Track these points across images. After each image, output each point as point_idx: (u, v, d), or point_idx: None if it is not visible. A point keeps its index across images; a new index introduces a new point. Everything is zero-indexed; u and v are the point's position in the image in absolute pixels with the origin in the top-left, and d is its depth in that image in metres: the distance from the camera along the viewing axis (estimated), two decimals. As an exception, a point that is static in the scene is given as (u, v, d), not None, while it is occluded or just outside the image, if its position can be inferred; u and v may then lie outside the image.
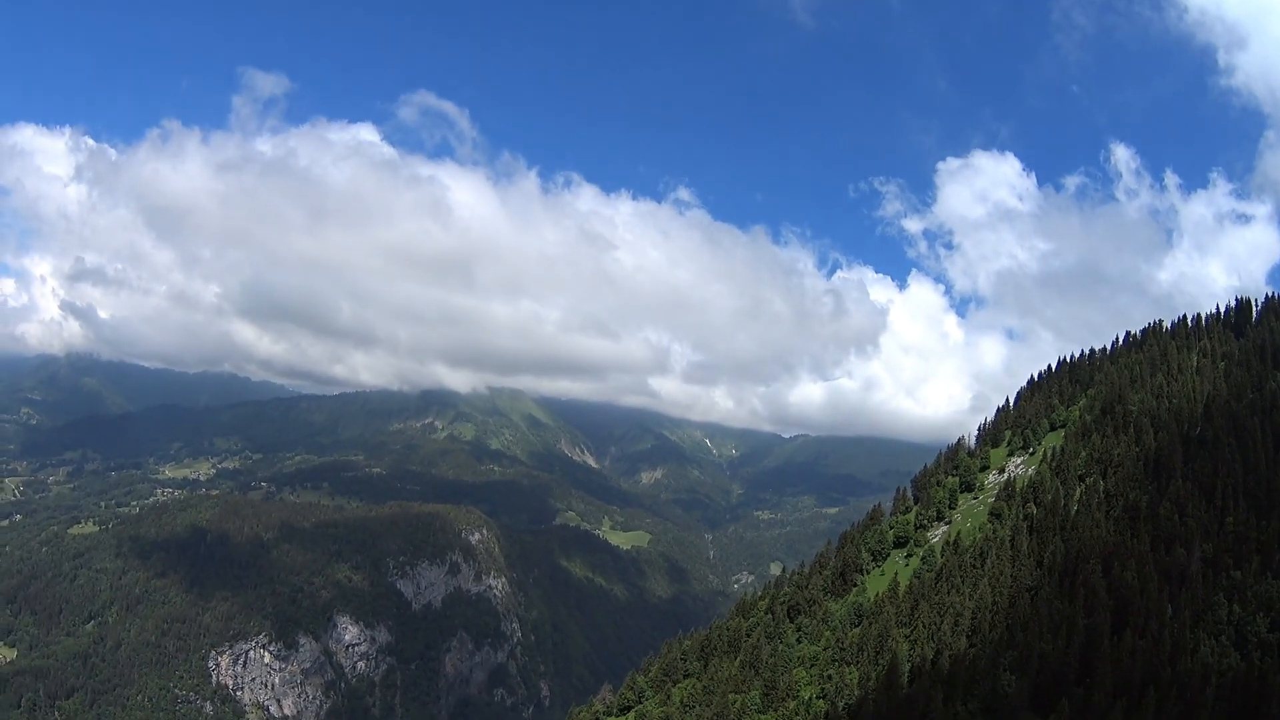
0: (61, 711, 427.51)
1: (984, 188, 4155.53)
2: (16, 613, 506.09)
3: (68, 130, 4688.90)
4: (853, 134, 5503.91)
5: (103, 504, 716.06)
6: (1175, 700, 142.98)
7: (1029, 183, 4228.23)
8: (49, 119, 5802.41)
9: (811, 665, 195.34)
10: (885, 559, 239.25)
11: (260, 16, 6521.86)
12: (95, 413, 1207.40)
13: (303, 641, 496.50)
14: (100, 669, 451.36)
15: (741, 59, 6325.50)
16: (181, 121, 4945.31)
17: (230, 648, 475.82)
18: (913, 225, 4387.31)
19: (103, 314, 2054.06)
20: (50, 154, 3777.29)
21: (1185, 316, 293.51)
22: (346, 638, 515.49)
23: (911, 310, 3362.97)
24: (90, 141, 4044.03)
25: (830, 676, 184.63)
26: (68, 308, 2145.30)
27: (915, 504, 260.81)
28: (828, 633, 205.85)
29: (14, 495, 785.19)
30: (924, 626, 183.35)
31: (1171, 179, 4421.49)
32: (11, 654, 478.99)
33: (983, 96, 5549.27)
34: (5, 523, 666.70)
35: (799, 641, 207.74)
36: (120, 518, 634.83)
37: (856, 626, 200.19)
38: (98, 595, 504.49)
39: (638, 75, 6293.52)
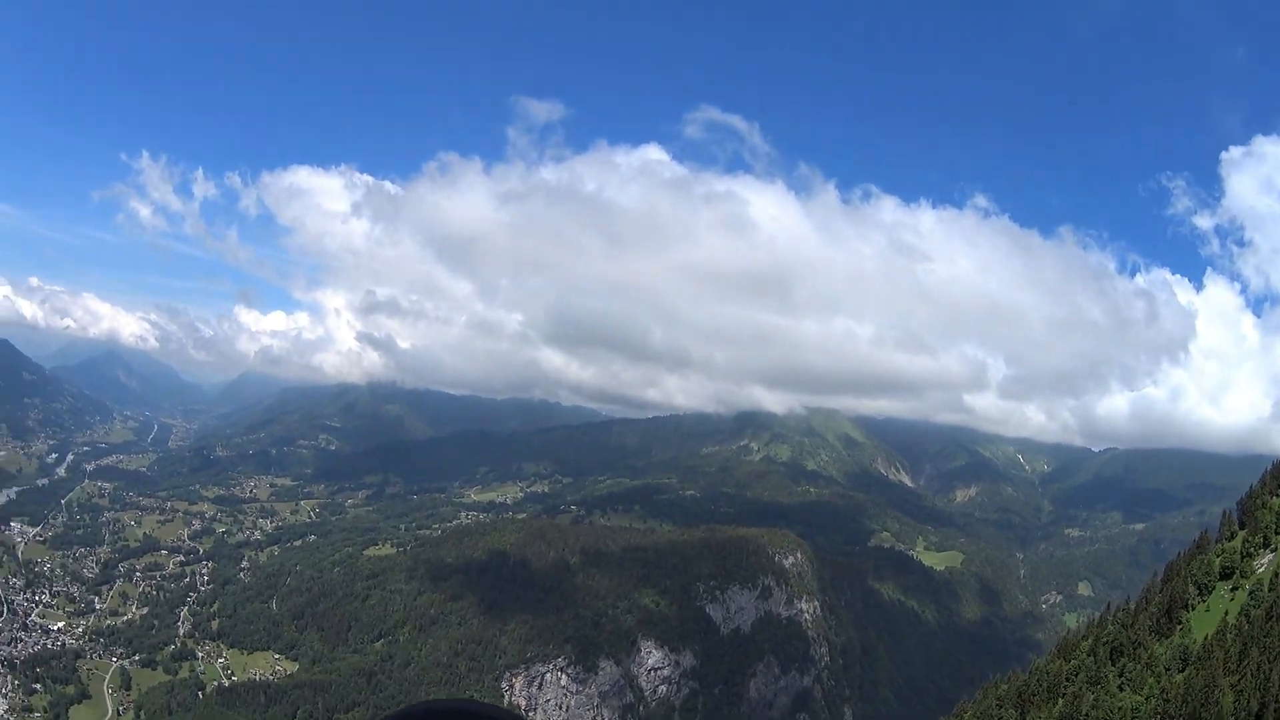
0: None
1: (1269, 174, 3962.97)
2: (303, 629, 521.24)
3: (343, 168, 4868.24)
4: (1139, 124, 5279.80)
5: (402, 526, 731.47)
6: None
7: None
8: (323, 160, 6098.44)
9: (1134, 718, 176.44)
10: (1211, 592, 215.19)
11: (528, 44, 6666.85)
12: (397, 438, 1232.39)
13: (603, 665, 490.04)
14: (385, 685, 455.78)
15: (1031, 46, 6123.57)
16: (459, 153, 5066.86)
17: (526, 669, 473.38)
18: (1203, 222, 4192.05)
19: (402, 344, 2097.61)
20: (328, 192, 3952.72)
21: None
22: (650, 661, 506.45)
23: (1210, 312, 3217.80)
24: (367, 178, 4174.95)
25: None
26: (364, 338, 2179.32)
27: (1241, 529, 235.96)
28: (1151, 679, 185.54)
29: (309, 517, 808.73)
30: (1252, 675, 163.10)
31: None
32: (293, 668, 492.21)
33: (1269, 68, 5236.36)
34: (299, 543, 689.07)
35: (1121, 689, 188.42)
36: (419, 540, 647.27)
37: (1182, 672, 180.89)
38: (389, 615, 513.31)
39: (924, 75, 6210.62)
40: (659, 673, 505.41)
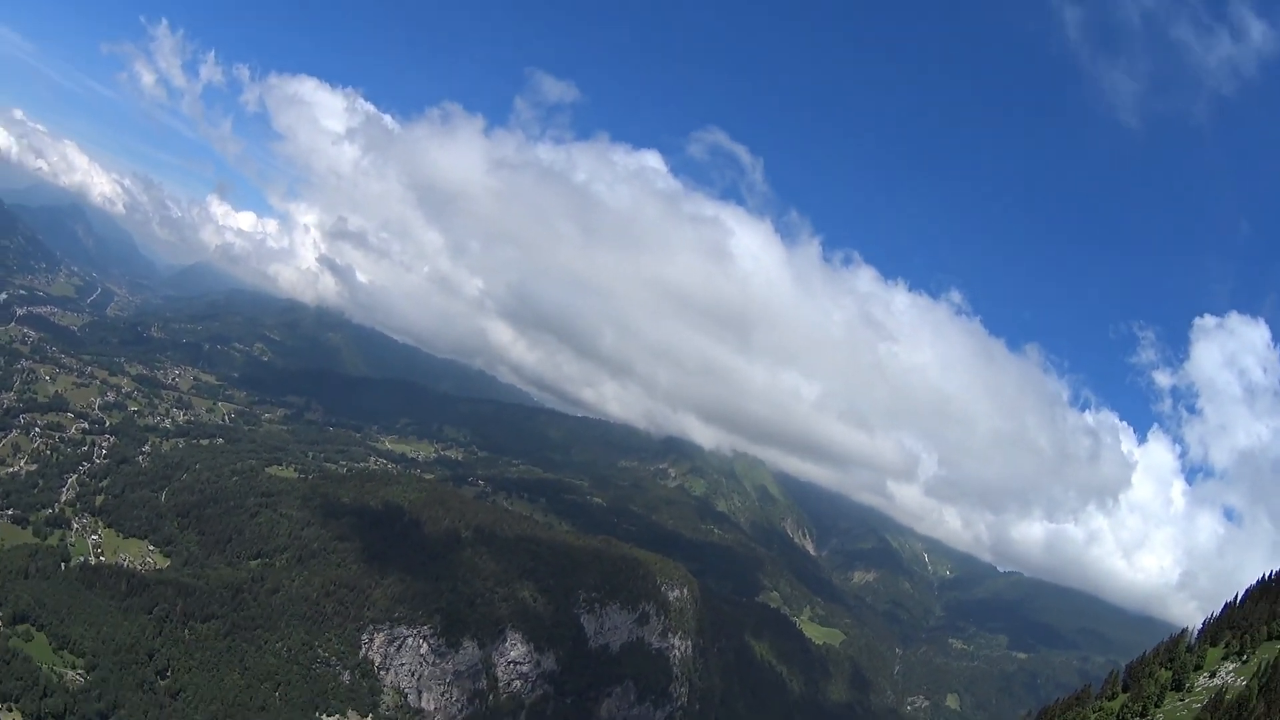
0: (192, 632, 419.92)
1: (1235, 351, 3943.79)
2: (184, 528, 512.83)
3: (349, 90, 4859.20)
4: (1126, 268, 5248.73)
5: (310, 454, 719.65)
6: None
7: (1274, 355, 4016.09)
8: (331, 77, 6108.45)
9: None
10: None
11: (558, 20, 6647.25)
12: (330, 368, 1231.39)
13: (466, 644, 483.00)
14: (249, 606, 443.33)
15: (1038, 166, 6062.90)
16: (464, 107, 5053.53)
17: (390, 629, 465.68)
18: (1162, 379, 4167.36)
19: (361, 277, 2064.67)
20: (328, 110, 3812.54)
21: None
22: (512, 654, 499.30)
23: (1146, 467, 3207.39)
24: (370, 107, 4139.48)
25: None
26: (326, 262, 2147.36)
27: (1124, 692, 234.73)
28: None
29: (223, 420, 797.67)
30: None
31: None
32: (164, 563, 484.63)
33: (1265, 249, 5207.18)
34: (206, 442, 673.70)
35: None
36: (323, 472, 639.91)
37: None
38: (273, 538, 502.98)
39: (932, 160, 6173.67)
40: (518, 667, 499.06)
